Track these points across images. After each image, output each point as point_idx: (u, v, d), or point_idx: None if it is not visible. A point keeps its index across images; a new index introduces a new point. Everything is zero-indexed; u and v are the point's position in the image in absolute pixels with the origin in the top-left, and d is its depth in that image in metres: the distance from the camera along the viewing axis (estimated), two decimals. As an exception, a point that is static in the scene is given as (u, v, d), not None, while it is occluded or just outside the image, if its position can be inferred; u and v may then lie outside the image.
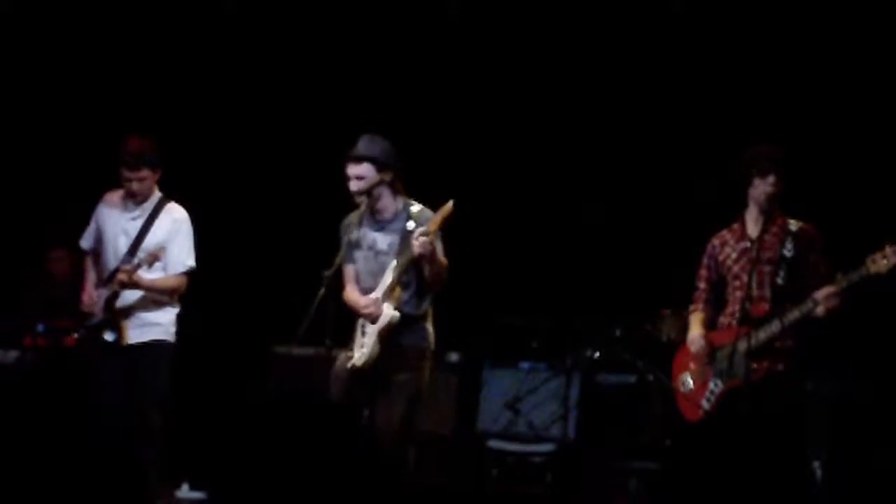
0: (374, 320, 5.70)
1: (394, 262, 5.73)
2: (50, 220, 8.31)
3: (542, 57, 8.49)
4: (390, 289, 5.71)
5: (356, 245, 5.84)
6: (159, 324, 6.23)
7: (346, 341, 5.84)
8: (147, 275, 6.13)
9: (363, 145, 5.79)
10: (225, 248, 8.32)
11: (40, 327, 7.55)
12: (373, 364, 5.71)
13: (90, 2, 8.52)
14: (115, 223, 6.24)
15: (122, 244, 6.17)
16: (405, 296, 5.76)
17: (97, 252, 6.33)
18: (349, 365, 5.74)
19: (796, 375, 5.73)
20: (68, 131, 8.67)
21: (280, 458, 6.24)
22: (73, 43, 8.60)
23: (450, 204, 5.56)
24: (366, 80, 8.61)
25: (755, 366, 5.59)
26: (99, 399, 6.16)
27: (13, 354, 7.61)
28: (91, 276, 6.33)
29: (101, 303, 6.18)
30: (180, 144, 8.52)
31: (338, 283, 5.82)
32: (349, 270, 5.87)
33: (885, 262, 5.37)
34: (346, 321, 5.85)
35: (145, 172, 6.15)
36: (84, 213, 6.44)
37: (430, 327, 5.85)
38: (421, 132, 8.00)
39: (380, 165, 5.76)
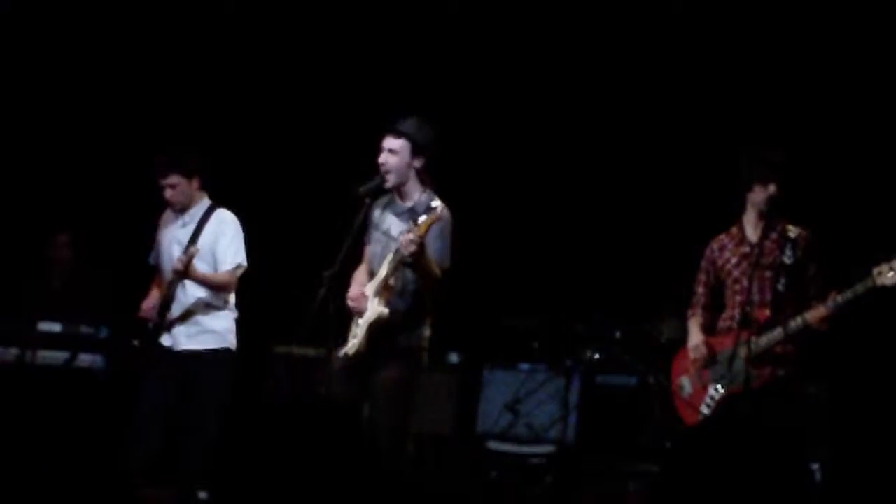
0: (359, 314, 5.68)
1: (390, 256, 5.67)
2: (52, 208, 8.32)
3: (542, 58, 8.48)
4: (382, 285, 5.65)
5: (375, 226, 5.79)
6: (214, 331, 6.26)
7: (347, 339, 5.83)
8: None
9: (408, 123, 5.73)
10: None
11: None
12: (362, 358, 5.68)
13: (90, 2, 8.51)
14: (169, 235, 6.31)
15: (177, 252, 6.21)
16: (399, 292, 5.69)
17: (160, 267, 6.39)
18: (341, 353, 5.71)
19: (797, 380, 5.73)
20: (67, 128, 8.67)
21: (280, 458, 6.23)
22: (73, 43, 8.60)
23: (439, 210, 5.45)
24: (366, 80, 8.60)
25: (756, 372, 5.59)
26: (149, 403, 6.18)
27: (13, 352, 7.60)
28: (155, 291, 6.37)
29: (157, 307, 6.23)
30: (179, 144, 8.56)
31: (338, 284, 5.79)
32: (366, 251, 5.84)
33: (892, 274, 5.33)
34: (346, 322, 5.84)
35: (175, 178, 6.19)
36: (84, 205, 6.46)
37: (425, 327, 5.79)
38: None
39: (416, 149, 5.70)
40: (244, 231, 6.42)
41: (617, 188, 8.41)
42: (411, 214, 5.66)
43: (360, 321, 5.70)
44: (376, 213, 5.81)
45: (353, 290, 5.75)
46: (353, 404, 5.70)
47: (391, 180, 5.72)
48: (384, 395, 5.69)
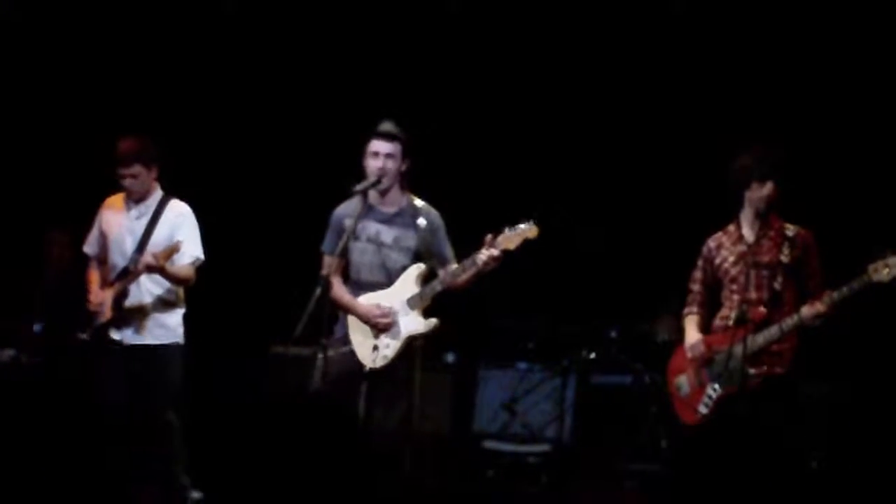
0: (385, 328, 5.66)
1: (418, 266, 5.69)
2: (49, 206, 8.30)
3: (540, 58, 8.49)
4: (423, 298, 5.66)
5: (354, 236, 5.71)
6: (166, 326, 6.23)
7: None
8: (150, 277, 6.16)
9: (397, 127, 5.73)
10: (222, 249, 8.32)
11: (36, 328, 7.52)
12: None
13: (90, 2, 8.50)
14: (120, 224, 6.25)
15: (129, 244, 6.18)
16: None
17: (102, 256, 6.33)
18: (366, 367, 5.66)
19: (793, 378, 5.74)
20: (67, 129, 8.66)
21: (278, 458, 6.23)
22: (73, 42, 8.59)
23: (535, 229, 5.52)
24: (366, 80, 8.60)
25: (753, 371, 5.59)
26: (103, 399, 6.16)
27: (8, 353, 7.60)
28: (96, 279, 6.32)
29: (108, 302, 6.18)
30: (180, 144, 8.56)
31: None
32: (335, 262, 5.70)
33: (887, 270, 5.34)
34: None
35: (137, 168, 6.16)
36: (83, 203, 6.45)
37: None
38: (420, 133, 7.98)
39: (405, 152, 5.73)
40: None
41: (613, 187, 8.43)
42: (399, 218, 5.72)
43: (388, 334, 5.68)
44: (347, 222, 5.73)
45: (374, 309, 5.67)
46: (350, 405, 5.69)
47: (385, 184, 5.72)
48: (398, 395, 5.71)
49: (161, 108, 8.39)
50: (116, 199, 6.33)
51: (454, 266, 5.67)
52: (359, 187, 5.68)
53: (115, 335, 6.17)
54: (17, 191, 8.53)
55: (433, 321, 5.69)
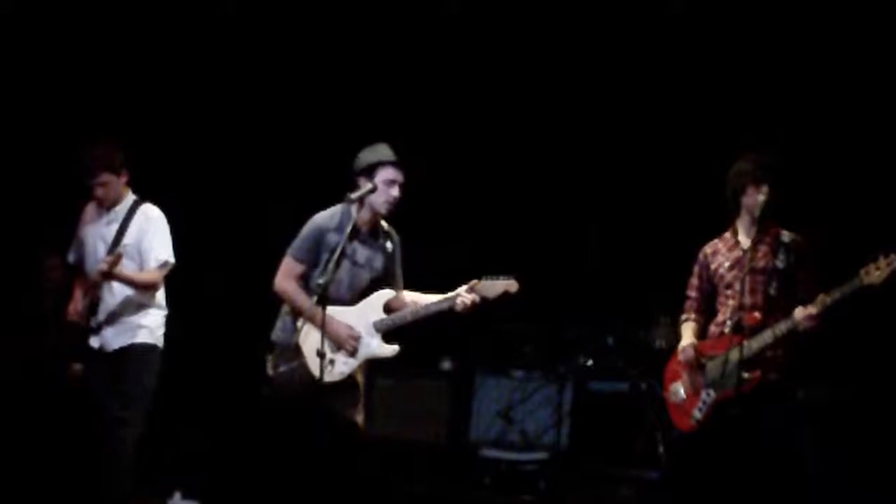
0: (351, 350, 5.70)
1: (389, 292, 5.77)
2: (45, 230, 8.28)
3: (541, 60, 8.49)
4: (391, 325, 5.72)
5: (331, 251, 5.68)
6: (143, 326, 6.19)
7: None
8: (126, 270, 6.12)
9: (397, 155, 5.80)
10: (219, 252, 8.33)
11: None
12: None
13: (90, 2, 8.50)
14: (94, 231, 6.25)
15: (102, 250, 6.17)
16: None
17: (82, 265, 6.32)
18: (325, 379, 5.57)
19: (788, 384, 5.74)
20: (66, 133, 8.64)
21: (273, 465, 6.22)
22: (73, 43, 8.58)
23: (515, 285, 5.65)
24: (366, 80, 8.60)
25: (747, 376, 5.59)
26: (101, 410, 6.11)
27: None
28: (79, 289, 6.32)
29: (84, 310, 6.17)
30: (179, 145, 8.57)
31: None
32: (298, 268, 5.73)
33: (878, 273, 5.38)
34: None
35: (105, 177, 6.14)
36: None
37: None
38: (419, 133, 7.99)
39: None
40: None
41: (610, 194, 8.42)
42: (371, 239, 5.80)
43: (351, 356, 5.70)
44: (331, 238, 5.74)
45: (345, 330, 5.69)
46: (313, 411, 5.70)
47: (364, 212, 5.77)
48: (356, 400, 5.75)
49: (161, 109, 8.39)
50: (91, 207, 6.31)
51: (429, 300, 5.77)
52: (353, 196, 5.69)
53: (94, 343, 6.15)
54: (9, 212, 8.50)
55: (395, 348, 5.76)
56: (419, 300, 5.82)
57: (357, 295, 5.78)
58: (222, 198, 8.61)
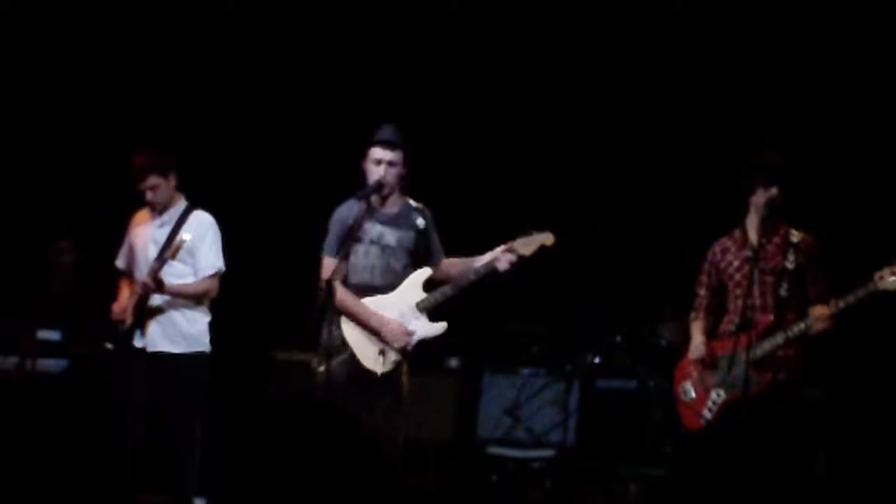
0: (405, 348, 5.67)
1: (425, 271, 5.74)
2: (53, 213, 8.29)
3: (541, 61, 8.48)
4: (435, 302, 5.69)
5: (356, 238, 5.69)
6: (189, 336, 6.22)
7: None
8: (176, 280, 6.15)
9: (396, 133, 5.75)
10: (225, 254, 8.31)
11: (53, 335, 7.48)
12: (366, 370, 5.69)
13: (90, 3, 8.50)
14: (145, 235, 6.29)
15: (152, 252, 6.20)
16: None
17: (131, 269, 6.36)
18: (379, 371, 5.64)
19: (798, 384, 5.73)
20: (68, 130, 8.65)
21: (281, 464, 6.22)
22: (73, 43, 8.58)
23: (551, 237, 5.64)
24: (366, 80, 8.58)
25: (757, 377, 5.58)
26: (125, 401, 6.16)
27: (13, 360, 7.57)
28: (125, 292, 6.34)
29: (129, 310, 6.19)
30: (179, 146, 8.54)
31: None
32: (340, 266, 5.64)
33: (893, 278, 5.36)
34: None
35: (154, 180, 6.19)
36: (88, 208, 6.44)
37: None
38: (419, 134, 7.98)
39: (407, 157, 5.77)
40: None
41: (617, 191, 8.40)
42: (400, 220, 5.75)
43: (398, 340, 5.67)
44: (350, 223, 5.72)
45: (394, 325, 5.65)
46: (352, 410, 5.68)
47: (386, 191, 5.74)
48: (402, 400, 5.71)
49: (160, 109, 8.38)
50: (143, 213, 6.36)
51: (467, 269, 5.74)
52: (362, 193, 5.69)
53: (137, 343, 6.17)
54: (19, 196, 8.51)
55: (443, 325, 5.73)
56: (464, 265, 5.80)
57: (394, 277, 5.73)
58: (222, 198, 8.58)
